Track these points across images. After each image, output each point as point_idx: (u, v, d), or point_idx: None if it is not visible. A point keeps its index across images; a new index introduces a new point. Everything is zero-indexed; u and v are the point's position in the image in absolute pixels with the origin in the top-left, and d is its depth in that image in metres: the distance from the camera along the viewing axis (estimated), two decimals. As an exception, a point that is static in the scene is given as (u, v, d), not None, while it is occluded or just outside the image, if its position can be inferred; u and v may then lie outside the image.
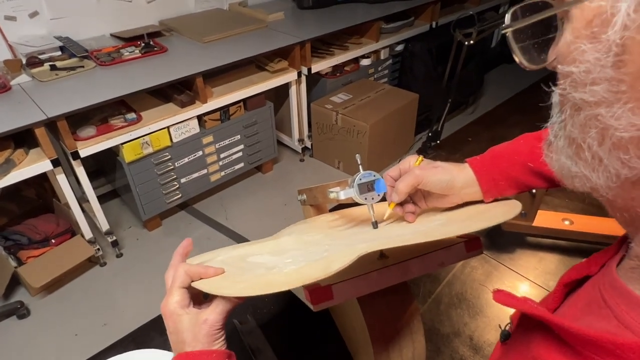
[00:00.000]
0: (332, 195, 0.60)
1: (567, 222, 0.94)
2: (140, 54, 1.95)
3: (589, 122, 0.26)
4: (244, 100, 2.13)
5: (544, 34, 0.31)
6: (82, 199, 1.96)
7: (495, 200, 0.58)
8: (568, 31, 0.26)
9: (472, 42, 1.33)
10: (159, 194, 2.01)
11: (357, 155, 0.61)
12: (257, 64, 2.23)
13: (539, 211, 0.94)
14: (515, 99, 1.62)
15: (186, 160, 2.04)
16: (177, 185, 2.07)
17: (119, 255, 2.00)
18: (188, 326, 0.45)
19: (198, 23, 2.32)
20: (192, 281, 0.48)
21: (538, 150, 0.57)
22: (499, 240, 0.97)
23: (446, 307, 0.80)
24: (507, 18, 0.32)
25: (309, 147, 2.61)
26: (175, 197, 2.08)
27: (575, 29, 0.26)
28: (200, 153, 2.08)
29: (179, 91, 1.92)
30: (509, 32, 0.32)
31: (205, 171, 2.15)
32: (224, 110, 2.07)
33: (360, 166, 0.59)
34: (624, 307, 0.29)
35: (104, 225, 1.92)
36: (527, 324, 0.39)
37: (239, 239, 2.07)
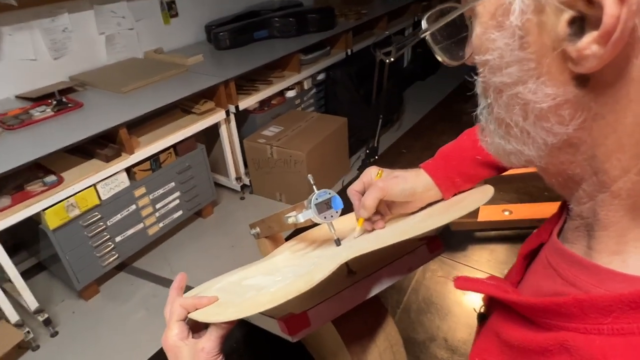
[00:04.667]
0: (290, 220, 0.58)
1: (506, 213, 1.01)
2: (53, 113, 1.83)
3: (511, 101, 0.29)
4: (174, 146, 2.07)
5: (458, 33, 0.34)
6: (1, 279, 1.75)
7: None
8: (477, 26, 0.29)
9: (392, 59, 1.42)
10: (92, 258, 1.85)
11: (309, 176, 0.61)
12: (182, 108, 2.18)
13: (480, 207, 1.00)
14: (435, 110, 1.75)
15: (119, 217, 1.91)
16: (112, 246, 1.92)
17: (54, 334, 1.78)
18: (188, 356, 0.48)
19: (114, 74, 2.23)
20: (189, 313, 0.50)
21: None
22: (451, 241, 1.01)
23: (416, 314, 0.81)
24: (424, 23, 0.35)
25: (248, 184, 2.57)
26: (112, 259, 1.93)
27: (482, 22, 0.29)
28: (134, 207, 1.96)
29: (102, 145, 1.81)
30: (427, 35, 0.35)
31: (141, 225, 2.02)
32: (154, 158, 1.98)
33: (314, 186, 0.59)
34: (564, 265, 0.32)
35: (32, 304, 1.71)
36: (493, 303, 0.41)
37: (188, 290, 1.95)
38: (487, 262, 0.91)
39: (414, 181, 0.58)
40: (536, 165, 0.32)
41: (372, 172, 0.61)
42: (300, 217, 0.57)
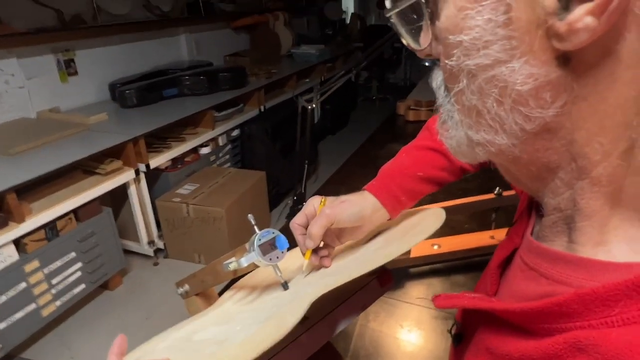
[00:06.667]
0: (231, 267, 0.53)
1: (436, 247, 1.03)
2: None
3: (486, 85, 0.27)
4: (75, 211, 1.85)
5: (419, 20, 0.32)
6: None
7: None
8: (449, 6, 0.28)
9: (314, 105, 1.47)
10: (-34, 353, 1.51)
11: (250, 216, 0.56)
12: (84, 169, 1.99)
13: (412, 243, 1.01)
14: (352, 159, 1.83)
15: (4, 298, 1.61)
16: (-6, 335, 1.59)
17: None
18: None
19: (-1, 135, 1.98)
20: None
21: (421, 159, 0.62)
22: (388, 279, 1.00)
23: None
24: (388, 3, 0.33)
25: (162, 247, 2.37)
26: (-7, 351, 1.60)
27: (457, 0, 0.27)
28: (24, 285, 1.67)
29: (-17, 215, 1.55)
30: (392, 14, 0.32)
31: (33, 306, 1.72)
32: (50, 226, 1.74)
33: (255, 227, 0.54)
34: (546, 264, 0.30)
35: None
36: (472, 319, 0.39)
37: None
38: (427, 296, 0.92)
39: (361, 204, 0.56)
40: (505, 156, 0.30)
41: (314, 202, 0.58)
42: (243, 261, 0.51)
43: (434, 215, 0.56)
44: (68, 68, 2.45)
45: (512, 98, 0.27)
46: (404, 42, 0.33)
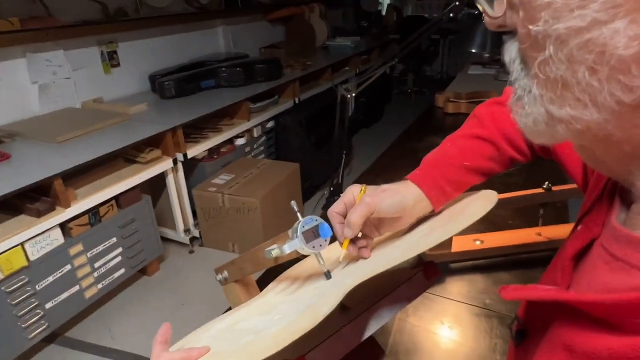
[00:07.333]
0: (274, 253, 0.52)
1: (478, 242, 0.99)
2: (-26, 165, 1.63)
3: (579, 51, 0.24)
4: (116, 198, 1.91)
5: None
6: None
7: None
8: None
9: (354, 94, 1.45)
10: (15, 330, 1.59)
11: (293, 202, 0.55)
12: (126, 158, 2.05)
13: (453, 237, 0.98)
14: (388, 151, 1.79)
15: (51, 279, 1.68)
16: (41, 314, 1.67)
17: None
18: None
19: (47, 124, 2.07)
20: None
21: (468, 148, 0.58)
22: (428, 274, 0.97)
23: (405, 356, 0.75)
24: None
25: (198, 236, 2.42)
26: (40, 329, 1.68)
27: None
28: (69, 267, 1.75)
29: (32, 199, 1.63)
30: None
31: (77, 288, 1.80)
32: (93, 212, 1.81)
33: (298, 213, 0.53)
34: (638, 254, 0.27)
35: (-64, 393, 1.42)
36: (541, 314, 0.36)
37: (134, 359, 1.73)
38: (467, 292, 0.88)
39: (403, 193, 0.53)
40: (592, 135, 0.27)
41: (354, 190, 0.55)
42: (286, 248, 0.50)
43: (483, 197, 0.53)
44: (111, 60, 2.52)
45: (610, 65, 0.23)
46: (480, 7, 0.31)
